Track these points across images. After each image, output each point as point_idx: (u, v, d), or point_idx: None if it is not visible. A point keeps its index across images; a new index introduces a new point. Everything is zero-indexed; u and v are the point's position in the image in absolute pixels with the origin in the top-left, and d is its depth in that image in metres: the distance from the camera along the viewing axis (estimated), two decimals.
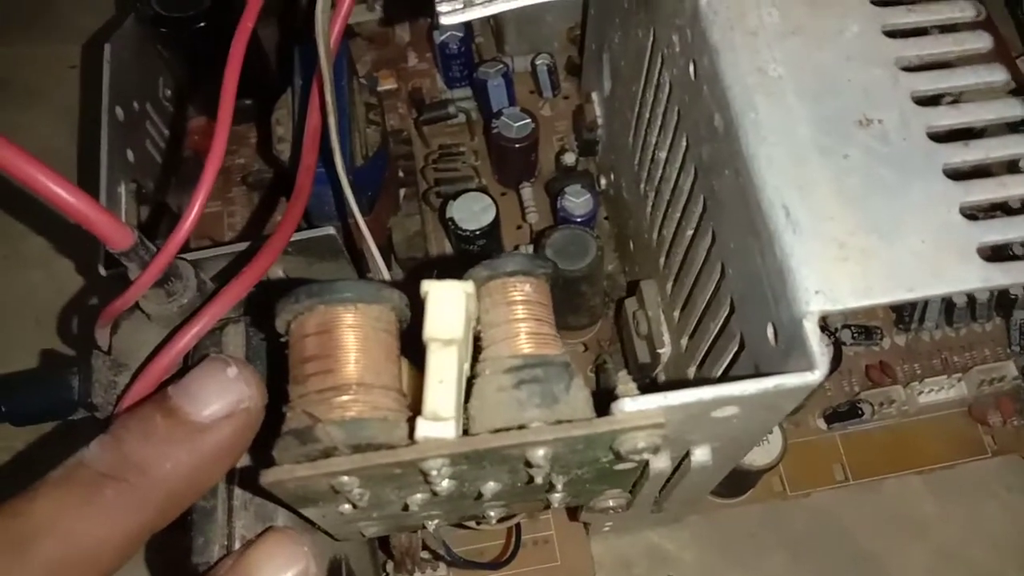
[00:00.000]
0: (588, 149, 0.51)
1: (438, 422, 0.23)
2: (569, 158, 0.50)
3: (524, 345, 0.25)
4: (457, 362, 0.24)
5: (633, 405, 0.23)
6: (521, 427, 0.24)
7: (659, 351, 0.40)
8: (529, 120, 0.49)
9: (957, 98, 0.28)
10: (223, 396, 0.24)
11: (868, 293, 0.24)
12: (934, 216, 0.25)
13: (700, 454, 0.28)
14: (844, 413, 0.45)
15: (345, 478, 0.24)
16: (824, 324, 0.46)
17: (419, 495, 0.27)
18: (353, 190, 0.44)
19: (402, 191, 0.49)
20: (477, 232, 0.46)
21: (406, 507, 0.27)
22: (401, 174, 0.50)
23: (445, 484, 0.25)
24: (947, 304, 0.47)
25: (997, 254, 0.25)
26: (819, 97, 0.27)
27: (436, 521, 0.32)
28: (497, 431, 0.23)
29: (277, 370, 0.28)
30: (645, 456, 0.24)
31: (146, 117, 0.50)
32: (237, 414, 0.24)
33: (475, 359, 0.26)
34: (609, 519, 0.40)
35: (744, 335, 0.29)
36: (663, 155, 0.36)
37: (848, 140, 0.26)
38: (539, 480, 0.25)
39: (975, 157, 0.26)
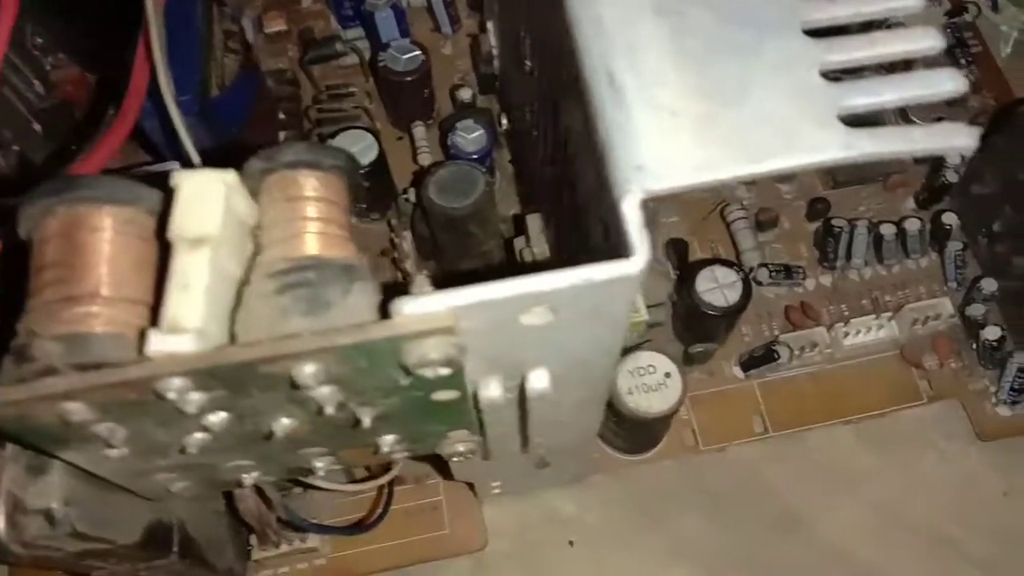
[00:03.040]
0: (488, 85, 0.47)
1: (175, 334, 0.19)
2: (465, 93, 0.46)
3: (299, 247, 0.21)
4: (209, 265, 0.20)
5: (412, 306, 0.19)
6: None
7: None
8: (419, 52, 0.45)
9: None
10: None
11: (704, 168, 0.20)
12: (789, 78, 0.21)
13: (536, 380, 0.24)
14: (760, 358, 0.41)
15: (70, 404, 0.19)
16: (738, 263, 0.42)
17: (196, 435, 0.23)
18: (210, 122, 0.40)
19: (282, 134, 0.45)
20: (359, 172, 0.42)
21: (184, 450, 0.23)
22: (282, 116, 0.46)
23: (214, 419, 0.21)
24: (875, 238, 0.43)
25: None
26: None
27: (254, 474, 0.28)
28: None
29: None
30: (442, 372, 0.20)
31: (7, 65, 0.46)
32: None
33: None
34: (494, 479, 0.36)
35: (591, 241, 0.25)
36: (530, 63, 0.32)
37: None
38: (331, 411, 0.21)
39: (845, 13, 0.22)
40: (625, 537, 0.40)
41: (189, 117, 0.38)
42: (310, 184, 0.22)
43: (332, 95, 0.47)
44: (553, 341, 0.22)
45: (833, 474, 0.41)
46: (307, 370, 0.19)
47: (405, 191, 0.44)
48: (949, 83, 0.21)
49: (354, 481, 0.36)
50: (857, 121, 0.21)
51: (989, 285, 0.41)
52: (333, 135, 0.42)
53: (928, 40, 0.22)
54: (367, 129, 0.43)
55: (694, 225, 0.45)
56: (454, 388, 0.23)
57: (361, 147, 0.42)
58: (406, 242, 0.44)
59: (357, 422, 0.23)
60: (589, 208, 0.24)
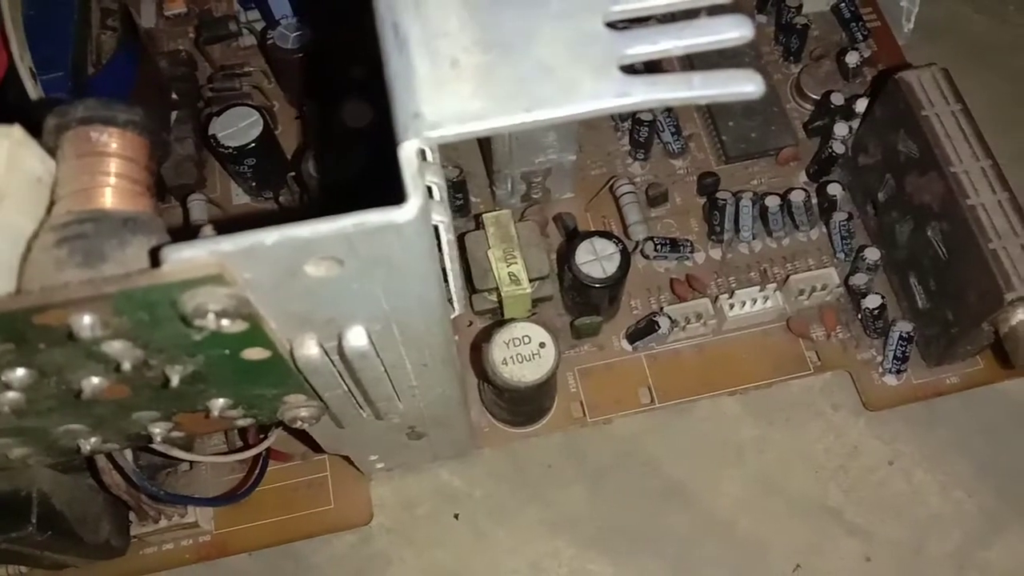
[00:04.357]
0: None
1: None
2: (357, 70, 0.46)
3: (84, 200, 0.21)
4: None
5: (177, 252, 0.19)
6: None
7: None
8: (310, 30, 0.45)
9: None
10: None
11: (479, 116, 0.20)
12: (572, 27, 0.21)
13: (353, 337, 0.24)
14: (643, 330, 0.41)
15: None
16: (618, 235, 0.42)
17: (8, 394, 0.22)
18: None
19: (174, 114, 0.45)
20: (244, 148, 0.42)
21: None
22: (175, 96, 0.46)
23: (12, 375, 0.21)
24: (761, 211, 0.43)
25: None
26: None
27: (93, 440, 0.28)
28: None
29: None
30: (228, 325, 0.20)
31: None
32: None
33: None
34: (369, 453, 0.36)
35: None
36: None
37: None
38: (127, 367, 0.21)
39: None
40: (509, 510, 0.40)
41: (62, 94, 0.38)
42: (102, 140, 0.22)
43: (226, 74, 0.47)
44: (355, 295, 0.22)
45: (718, 445, 0.41)
46: (84, 321, 0.19)
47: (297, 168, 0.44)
48: (734, 30, 0.21)
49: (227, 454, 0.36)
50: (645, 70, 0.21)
51: (872, 254, 0.41)
52: (220, 113, 0.42)
53: None
54: (254, 106, 0.43)
55: (588, 201, 0.45)
56: (260, 345, 0.23)
57: (245, 124, 0.42)
58: None
59: (167, 382, 0.23)
60: None
